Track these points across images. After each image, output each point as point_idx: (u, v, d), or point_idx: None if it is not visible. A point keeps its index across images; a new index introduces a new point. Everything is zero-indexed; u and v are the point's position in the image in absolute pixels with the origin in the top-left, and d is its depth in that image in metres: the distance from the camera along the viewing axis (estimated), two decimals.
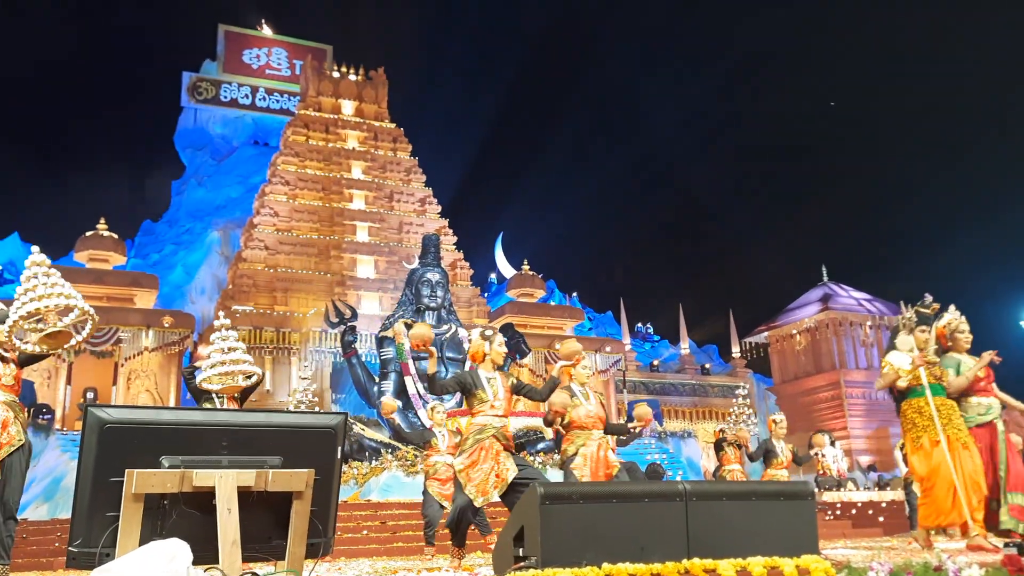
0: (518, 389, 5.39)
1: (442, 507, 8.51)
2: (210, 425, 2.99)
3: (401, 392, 17.85)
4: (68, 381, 20.32)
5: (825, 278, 32.31)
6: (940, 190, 49.07)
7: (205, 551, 2.72)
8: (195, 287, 33.44)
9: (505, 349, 5.39)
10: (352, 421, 16.42)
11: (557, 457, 15.68)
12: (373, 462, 14.91)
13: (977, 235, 44.68)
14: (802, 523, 3.89)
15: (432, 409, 9.30)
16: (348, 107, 29.01)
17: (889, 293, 32.17)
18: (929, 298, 6.51)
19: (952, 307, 6.37)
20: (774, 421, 9.76)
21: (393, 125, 29.14)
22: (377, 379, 18.45)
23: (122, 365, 20.72)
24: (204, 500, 2.80)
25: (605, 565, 3.26)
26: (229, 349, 6.84)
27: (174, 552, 2.55)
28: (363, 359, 19.13)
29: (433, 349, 5.23)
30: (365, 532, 11.03)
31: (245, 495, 2.83)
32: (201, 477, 2.78)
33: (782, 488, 4.01)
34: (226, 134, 41.93)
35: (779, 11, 55.82)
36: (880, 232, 47.68)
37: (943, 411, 5.78)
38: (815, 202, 52.74)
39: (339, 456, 3.05)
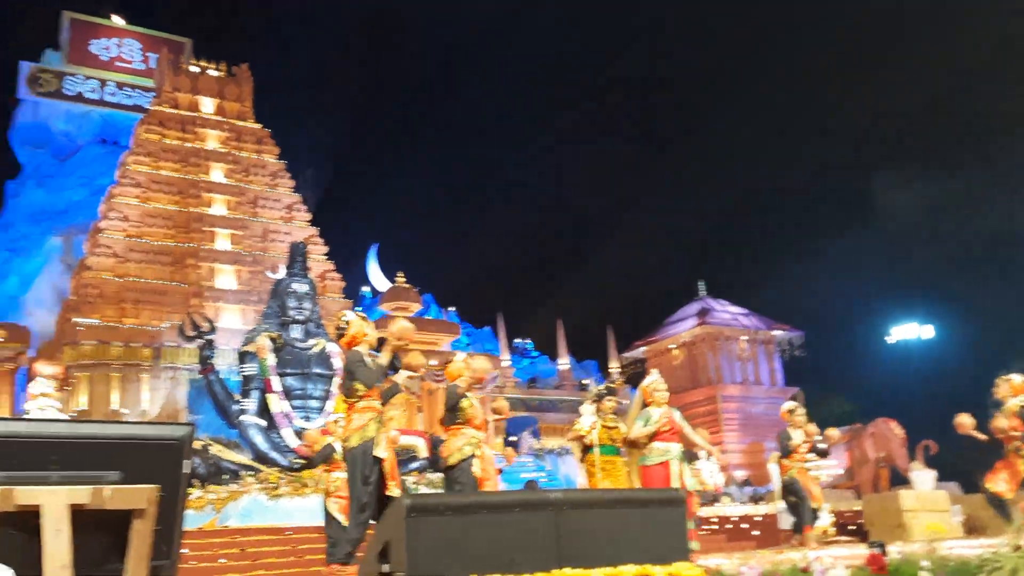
0: None
1: (344, 526, 8.01)
2: (37, 438, 2.68)
3: (264, 411, 17.00)
4: None
5: (702, 293, 32.01)
6: (809, 207, 51.01)
7: None
8: (32, 298, 30.88)
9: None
10: (209, 442, 15.47)
11: (431, 476, 15.34)
12: (232, 486, 14.08)
13: (847, 253, 46.30)
14: (673, 530, 3.94)
15: (335, 422, 8.60)
16: (208, 105, 27.22)
17: (762, 307, 32.28)
18: (615, 375, 8.52)
19: (654, 371, 8.42)
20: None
21: (258, 126, 27.56)
22: (238, 397, 17.53)
23: None
24: (30, 520, 2.51)
25: None
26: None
27: None
28: (222, 376, 18.13)
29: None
30: (222, 560, 10.36)
31: (78, 514, 2.55)
32: (25, 495, 2.49)
33: (653, 496, 4.05)
34: (70, 131, 38.73)
35: (634, 16, 56.88)
36: (754, 247, 49.54)
37: (608, 468, 7.49)
38: (694, 217, 53.44)
39: (185, 471, 2.80)
